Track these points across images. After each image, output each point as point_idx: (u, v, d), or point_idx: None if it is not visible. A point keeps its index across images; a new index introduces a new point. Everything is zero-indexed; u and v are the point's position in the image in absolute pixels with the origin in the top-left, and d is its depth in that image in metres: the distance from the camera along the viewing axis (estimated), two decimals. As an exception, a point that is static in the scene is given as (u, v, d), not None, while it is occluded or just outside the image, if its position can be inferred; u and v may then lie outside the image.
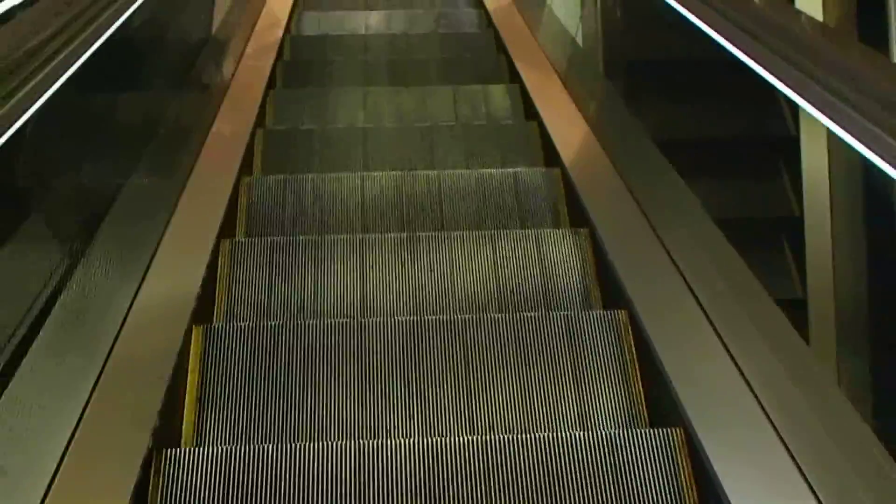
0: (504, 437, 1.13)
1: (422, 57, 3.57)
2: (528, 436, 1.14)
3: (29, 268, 1.34)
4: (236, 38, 3.14)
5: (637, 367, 1.36)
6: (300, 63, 3.45)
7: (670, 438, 1.11)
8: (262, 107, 2.76)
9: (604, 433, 1.16)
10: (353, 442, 1.15)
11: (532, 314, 1.51)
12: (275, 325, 1.43)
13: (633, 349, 1.38)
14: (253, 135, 2.42)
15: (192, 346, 1.35)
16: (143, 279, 1.44)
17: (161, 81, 2.52)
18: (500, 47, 3.49)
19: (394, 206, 1.94)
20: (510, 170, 2.16)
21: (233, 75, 2.88)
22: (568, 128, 2.55)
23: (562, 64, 2.99)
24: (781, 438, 0.98)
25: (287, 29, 3.63)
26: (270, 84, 3.01)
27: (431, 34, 3.89)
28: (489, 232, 1.79)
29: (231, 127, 2.44)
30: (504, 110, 2.99)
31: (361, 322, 1.45)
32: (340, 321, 1.49)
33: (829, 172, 1.60)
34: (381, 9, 4.03)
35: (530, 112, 2.83)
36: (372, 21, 3.91)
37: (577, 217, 1.91)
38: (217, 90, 2.70)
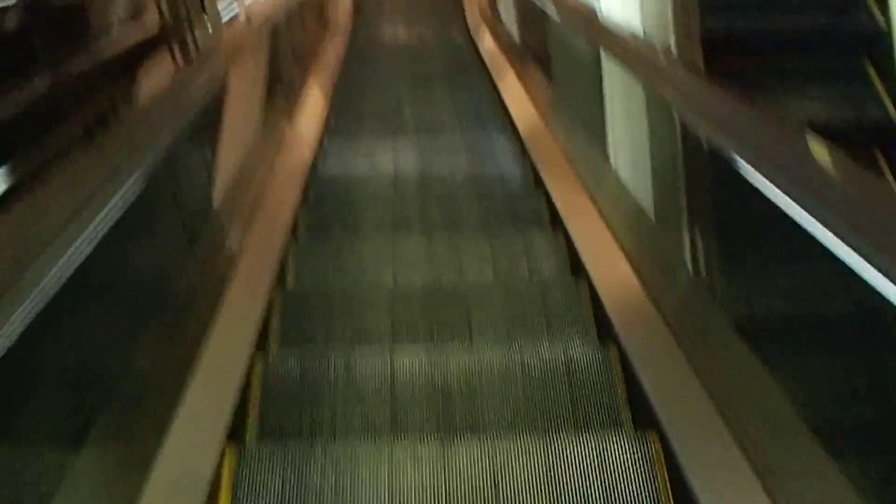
0: None
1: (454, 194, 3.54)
2: None
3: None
4: (256, 179, 3.12)
5: None
6: (325, 206, 3.43)
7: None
8: (283, 262, 2.71)
9: None
10: None
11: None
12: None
13: None
14: (271, 302, 2.33)
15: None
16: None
17: (172, 235, 2.48)
18: (538, 181, 3.46)
19: (426, 403, 1.80)
20: (560, 349, 2.01)
21: (251, 224, 2.86)
22: (621, 290, 2.44)
23: (612, 211, 2.92)
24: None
25: (313, 165, 3.66)
26: (294, 229, 3.00)
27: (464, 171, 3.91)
28: (539, 439, 1.62)
29: (247, 290, 2.36)
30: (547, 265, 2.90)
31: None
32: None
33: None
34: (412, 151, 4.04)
35: (577, 266, 2.75)
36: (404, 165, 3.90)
37: (641, 414, 1.74)
38: (233, 244, 2.65)
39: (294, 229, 3.01)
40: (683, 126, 2.17)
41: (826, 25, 3.16)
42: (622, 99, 2.77)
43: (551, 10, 3.19)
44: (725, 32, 2.97)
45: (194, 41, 2.29)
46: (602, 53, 2.79)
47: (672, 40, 2.34)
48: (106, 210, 1.31)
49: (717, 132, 1.69)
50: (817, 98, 2.79)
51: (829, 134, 1.35)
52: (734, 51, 2.84)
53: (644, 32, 2.83)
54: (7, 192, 1.58)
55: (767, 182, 1.38)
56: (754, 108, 1.59)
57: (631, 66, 2.27)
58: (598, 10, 2.86)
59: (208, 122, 2.45)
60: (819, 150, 1.28)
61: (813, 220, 1.16)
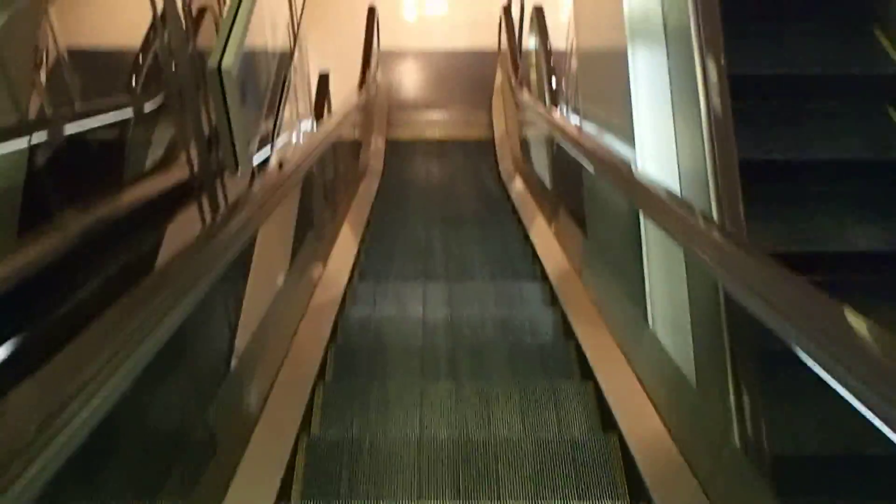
0: None
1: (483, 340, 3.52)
2: None
3: None
4: (285, 322, 3.13)
5: None
6: (353, 349, 3.41)
7: None
8: (310, 404, 2.67)
9: None
10: None
11: None
12: None
13: None
14: (296, 447, 2.28)
15: None
16: None
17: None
18: (568, 331, 3.42)
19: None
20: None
21: (279, 367, 2.83)
22: (655, 449, 2.37)
23: (646, 367, 2.86)
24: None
25: (342, 308, 3.67)
26: (321, 372, 2.96)
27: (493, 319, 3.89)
28: None
29: (273, 436, 2.31)
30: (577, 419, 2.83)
31: None
32: None
33: None
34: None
35: (608, 421, 2.68)
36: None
37: None
38: (260, 388, 2.62)
39: (321, 372, 2.98)
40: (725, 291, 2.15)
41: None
42: (661, 255, 2.78)
43: (585, 162, 3.27)
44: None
45: (224, 191, 2.34)
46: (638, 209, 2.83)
47: (713, 198, 2.37)
48: (132, 361, 1.30)
49: (760, 303, 1.66)
50: (857, 223, 2.78)
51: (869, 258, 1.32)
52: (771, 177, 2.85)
53: (681, 186, 2.89)
54: (25, 347, 1.57)
55: (811, 355, 1.35)
56: (798, 279, 1.57)
57: (667, 226, 2.27)
58: (633, 163, 2.92)
59: (237, 266, 2.48)
60: (860, 325, 1.27)
61: (860, 403, 1.14)
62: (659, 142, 2.93)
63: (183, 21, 2.10)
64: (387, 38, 8.72)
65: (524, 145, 6.56)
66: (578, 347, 3.24)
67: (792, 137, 2.82)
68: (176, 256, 1.71)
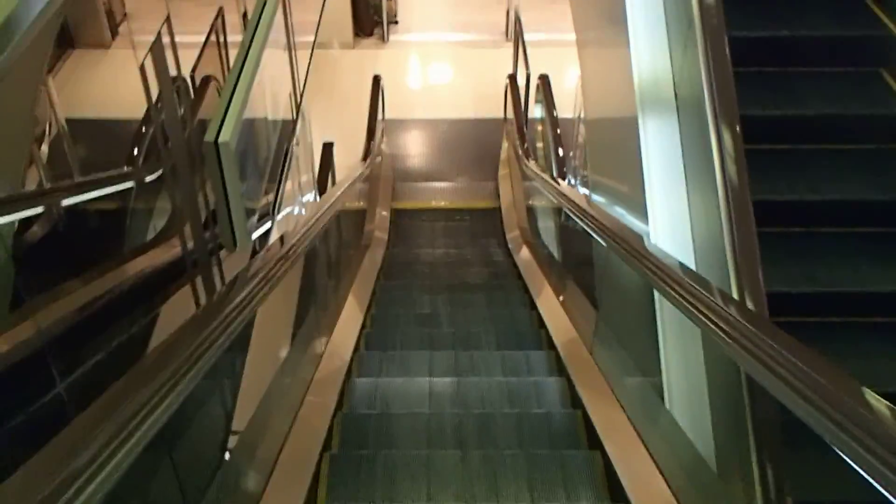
0: None
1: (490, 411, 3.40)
2: None
3: None
4: (290, 395, 3.02)
5: None
6: (358, 421, 3.30)
7: None
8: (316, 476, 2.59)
9: None
10: None
11: None
12: None
13: None
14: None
15: None
16: None
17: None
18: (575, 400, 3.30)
19: None
20: None
21: (285, 439, 2.75)
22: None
23: (659, 444, 2.73)
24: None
25: (347, 377, 3.56)
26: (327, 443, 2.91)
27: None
28: None
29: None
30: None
31: None
32: None
33: None
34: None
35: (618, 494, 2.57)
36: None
37: None
38: (265, 462, 2.51)
39: (327, 443, 2.94)
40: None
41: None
42: (676, 329, 2.68)
43: (596, 235, 3.19)
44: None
45: (220, 268, 2.27)
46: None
47: (731, 272, 2.28)
48: (126, 450, 1.23)
49: (785, 389, 1.56)
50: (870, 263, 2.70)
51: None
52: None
53: (696, 259, 2.80)
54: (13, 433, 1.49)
55: (837, 443, 1.28)
56: (824, 362, 1.49)
57: (683, 305, 2.17)
58: (646, 236, 2.84)
59: (238, 341, 2.39)
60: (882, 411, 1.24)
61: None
62: (672, 213, 2.86)
63: (176, 97, 2.05)
64: (392, 107, 8.80)
65: (531, 215, 6.51)
66: (586, 417, 3.11)
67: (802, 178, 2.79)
68: (169, 341, 1.63)
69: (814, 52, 2.97)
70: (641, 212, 2.99)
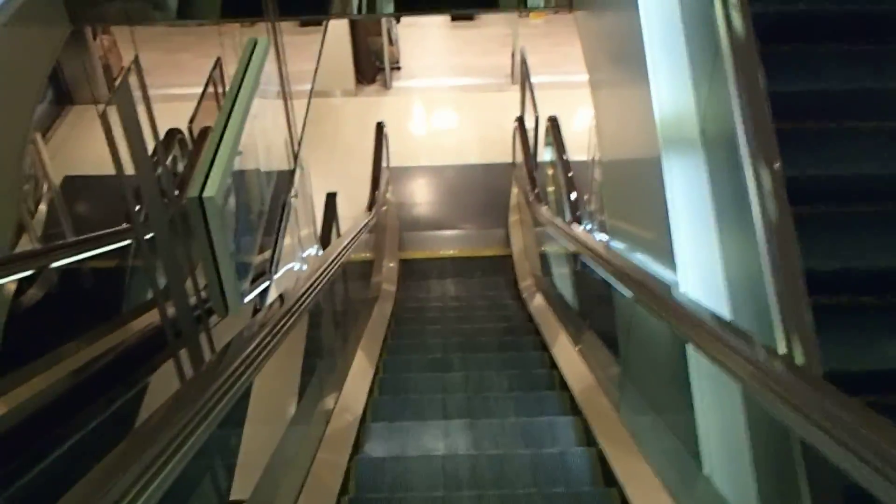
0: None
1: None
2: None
3: None
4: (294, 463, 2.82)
5: None
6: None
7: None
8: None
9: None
10: None
11: None
12: None
13: None
14: None
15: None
16: None
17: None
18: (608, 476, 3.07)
19: None
20: None
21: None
22: None
23: None
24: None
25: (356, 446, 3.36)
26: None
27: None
28: None
29: None
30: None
31: None
32: None
33: None
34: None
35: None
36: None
37: None
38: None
39: None
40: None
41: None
42: (714, 387, 2.47)
43: (619, 286, 3.00)
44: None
45: (209, 336, 2.09)
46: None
47: (776, 321, 2.08)
48: None
49: (847, 456, 1.36)
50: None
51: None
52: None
53: (731, 307, 2.60)
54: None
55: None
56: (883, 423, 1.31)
57: (722, 360, 1.98)
58: (674, 286, 2.66)
59: (234, 411, 2.22)
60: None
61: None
62: (702, 260, 2.67)
63: (152, 152, 1.90)
64: (396, 155, 8.70)
65: (544, 263, 6.33)
66: (622, 493, 2.89)
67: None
68: (153, 420, 1.46)
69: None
70: (667, 259, 2.80)
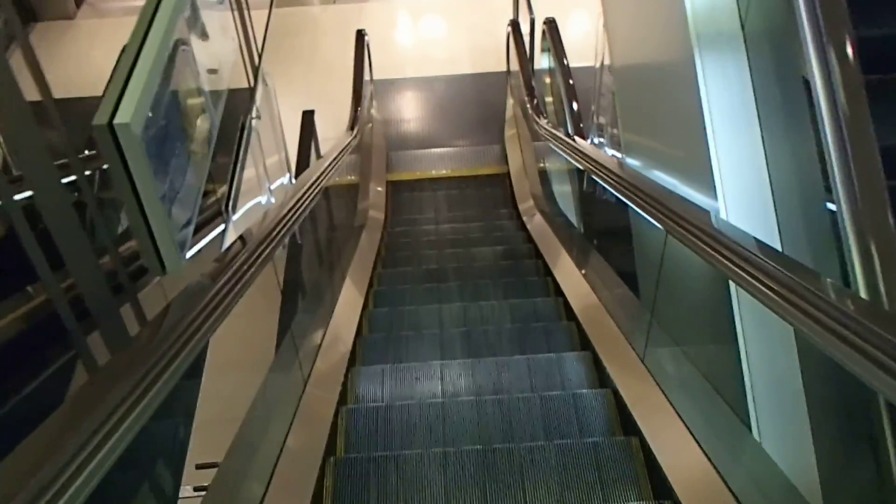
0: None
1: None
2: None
3: None
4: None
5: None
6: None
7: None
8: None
9: None
10: None
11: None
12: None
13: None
14: None
15: None
16: None
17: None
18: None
19: None
20: None
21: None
22: None
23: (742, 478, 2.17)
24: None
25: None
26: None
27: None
28: None
29: None
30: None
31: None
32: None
33: None
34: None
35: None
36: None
37: None
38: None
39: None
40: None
41: None
42: (766, 334, 2.09)
43: (652, 217, 2.57)
44: None
45: (137, 305, 1.69)
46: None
47: (854, 250, 1.68)
48: None
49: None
50: None
51: None
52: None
53: (781, 238, 2.20)
54: None
55: None
56: None
57: (776, 303, 1.59)
58: (715, 211, 2.24)
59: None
60: None
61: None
62: (746, 180, 2.25)
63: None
64: (381, 67, 8.14)
65: (545, 181, 5.89)
66: (645, 446, 2.54)
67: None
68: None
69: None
70: (702, 179, 2.38)
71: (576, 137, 4.50)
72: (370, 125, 7.09)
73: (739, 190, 2.23)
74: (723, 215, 2.24)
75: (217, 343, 1.94)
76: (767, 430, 2.03)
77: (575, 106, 5.14)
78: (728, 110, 2.27)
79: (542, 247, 5.23)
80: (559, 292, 4.33)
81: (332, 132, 6.03)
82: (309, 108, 6.06)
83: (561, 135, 4.56)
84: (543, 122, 5.44)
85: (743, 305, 2.11)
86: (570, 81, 5.40)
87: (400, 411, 2.96)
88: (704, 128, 2.29)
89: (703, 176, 2.33)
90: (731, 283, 2.13)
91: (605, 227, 4.04)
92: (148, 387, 1.34)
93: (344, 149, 4.48)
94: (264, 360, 2.54)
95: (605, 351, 3.22)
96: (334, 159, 4.03)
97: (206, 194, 2.33)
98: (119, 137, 1.53)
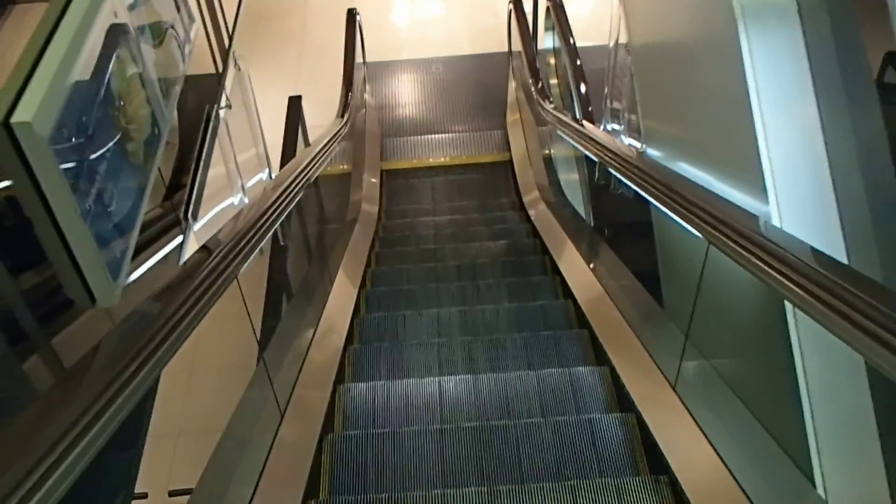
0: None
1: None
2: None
3: None
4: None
5: None
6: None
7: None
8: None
9: None
10: None
11: None
12: None
13: None
14: None
15: None
16: None
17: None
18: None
19: None
20: None
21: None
22: None
23: None
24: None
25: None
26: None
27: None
28: None
29: None
30: None
31: None
32: None
33: None
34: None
35: None
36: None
37: None
38: None
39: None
40: None
41: None
42: (828, 363, 1.75)
43: (670, 212, 2.22)
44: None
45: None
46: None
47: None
48: None
49: None
50: None
51: None
52: None
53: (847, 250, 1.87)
54: None
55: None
56: None
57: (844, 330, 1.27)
58: (766, 217, 1.90)
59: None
60: None
61: None
62: (803, 179, 1.92)
63: None
64: (374, 49, 7.77)
65: (551, 169, 5.54)
66: (676, 486, 2.22)
67: None
68: None
69: None
70: (746, 176, 2.04)
71: (585, 123, 4.15)
72: (363, 111, 6.73)
73: (795, 188, 1.89)
74: (775, 220, 1.89)
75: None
76: (834, 486, 1.70)
77: (583, 88, 4.79)
78: (780, 94, 1.92)
79: (549, 242, 4.88)
80: (567, 292, 4.00)
81: (324, 119, 5.67)
82: (302, 93, 5.71)
83: (570, 121, 4.21)
84: (549, 106, 5.09)
85: (803, 334, 1.77)
86: (578, 62, 5.04)
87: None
88: (751, 114, 1.94)
89: (749, 171, 1.98)
90: (788, 306, 1.80)
91: (620, 222, 3.71)
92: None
93: (331, 139, 4.12)
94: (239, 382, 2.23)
95: (626, 368, 2.88)
96: (319, 152, 3.68)
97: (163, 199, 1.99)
98: (19, 140, 1.19)
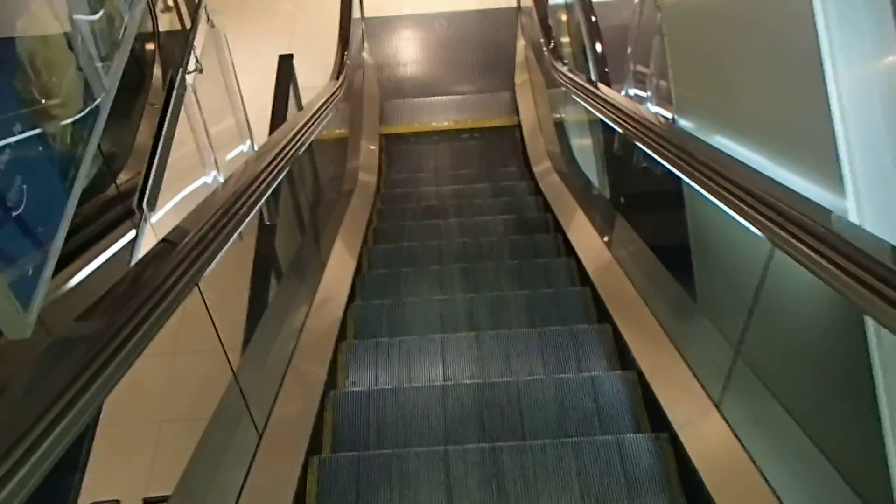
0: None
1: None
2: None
3: None
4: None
5: None
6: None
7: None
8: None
9: None
10: None
11: None
12: None
13: None
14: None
15: None
16: None
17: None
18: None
19: None
20: None
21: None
22: None
23: None
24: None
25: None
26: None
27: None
28: None
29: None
30: None
31: None
32: None
33: None
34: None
35: None
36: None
37: None
38: None
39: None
40: None
41: None
42: None
43: (721, 203, 1.89)
44: None
45: None
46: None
47: None
48: None
49: None
50: None
51: None
52: None
53: None
54: None
55: None
56: None
57: None
58: (843, 213, 1.57)
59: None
60: None
61: None
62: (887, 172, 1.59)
63: None
64: (373, 5, 7.37)
65: (563, 135, 5.20)
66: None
67: None
68: None
69: None
70: (814, 161, 1.70)
71: (601, 86, 3.80)
72: (361, 70, 6.36)
73: (881, 177, 1.56)
74: (853, 217, 1.57)
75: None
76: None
77: (599, 47, 4.43)
78: (861, 56, 1.58)
79: (562, 217, 4.55)
80: (584, 276, 3.69)
81: (320, 80, 5.32)
82: (296, 51, 5.34)
83: (587, 84, 3.86)
84: (563, 68, 4.73)
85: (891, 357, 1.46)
86: (593, 18, 4.68)
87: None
88: (823, 80, 1.61)
89: (819, 155, 1.65)
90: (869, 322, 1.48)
91: (643, 200, 3.37)
92: None
93: (325, 103, 3.79)
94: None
95: (657, 376, 2.57)
96: (310, 118, 3.35)
97: (104, 189, 1.67)
98: None
